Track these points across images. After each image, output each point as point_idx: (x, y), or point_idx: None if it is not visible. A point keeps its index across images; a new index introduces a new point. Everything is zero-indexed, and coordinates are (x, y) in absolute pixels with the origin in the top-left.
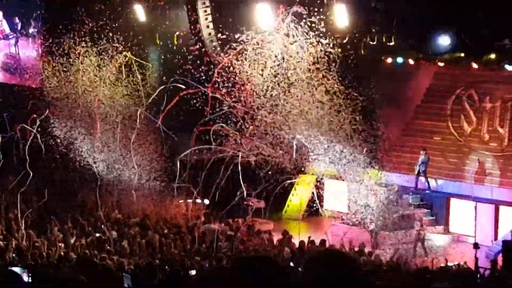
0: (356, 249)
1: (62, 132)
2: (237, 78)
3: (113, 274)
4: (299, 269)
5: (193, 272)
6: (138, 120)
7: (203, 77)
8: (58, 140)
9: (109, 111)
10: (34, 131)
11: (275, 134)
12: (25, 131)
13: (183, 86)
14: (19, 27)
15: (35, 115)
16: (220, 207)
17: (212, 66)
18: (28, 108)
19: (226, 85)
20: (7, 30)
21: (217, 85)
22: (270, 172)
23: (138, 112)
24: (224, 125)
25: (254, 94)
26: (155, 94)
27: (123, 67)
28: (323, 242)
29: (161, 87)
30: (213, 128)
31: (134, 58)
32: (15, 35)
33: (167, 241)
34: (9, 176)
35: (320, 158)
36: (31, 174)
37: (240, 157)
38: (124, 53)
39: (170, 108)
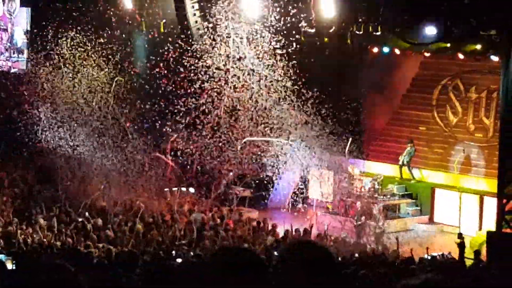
0: (340, 239)
1: (46, 119)
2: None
3: (99, 262)
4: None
5: (179, 260)
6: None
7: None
8: (43, 127)
9: (93, 100)
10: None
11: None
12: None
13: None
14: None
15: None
16: (205, 195)
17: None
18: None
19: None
20: None
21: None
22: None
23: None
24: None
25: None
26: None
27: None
28: (306, 231)
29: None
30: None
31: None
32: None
33: (152, 230)
34: None
35: (304, 149)
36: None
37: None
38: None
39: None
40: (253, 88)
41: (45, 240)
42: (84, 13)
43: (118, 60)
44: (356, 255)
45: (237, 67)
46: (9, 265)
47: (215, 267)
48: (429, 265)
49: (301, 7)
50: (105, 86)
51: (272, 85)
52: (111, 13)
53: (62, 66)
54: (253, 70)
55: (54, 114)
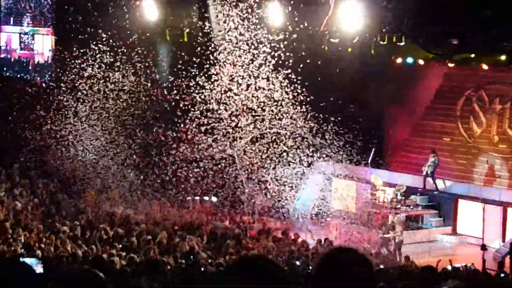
0: (363, 249)
1: (69, 127)
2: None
3: (121, 271)
4: (310, 267)
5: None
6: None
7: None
8: (65, 136)
9: (117, 109)
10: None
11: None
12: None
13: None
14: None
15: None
16: (227, 204)
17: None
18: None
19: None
20: None
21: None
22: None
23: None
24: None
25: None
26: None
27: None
28: (326, 241)
29: None
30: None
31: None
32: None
33: (174, 239)
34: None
35: (328, 157)
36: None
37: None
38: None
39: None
40: (274, 98)
41: (68, 248)
42: (108, 25)
43: (142, 73)
44: (381, 266)
45: (258, 79)
46: (38, 269)
47: (236, 277)
48: (452, 277)
49: (324, 16)
50: (128, 99)
51: (294, 97)
52: (135, 24)
53: (86, 80)
54: (273, 83)
55: (78, 124)
